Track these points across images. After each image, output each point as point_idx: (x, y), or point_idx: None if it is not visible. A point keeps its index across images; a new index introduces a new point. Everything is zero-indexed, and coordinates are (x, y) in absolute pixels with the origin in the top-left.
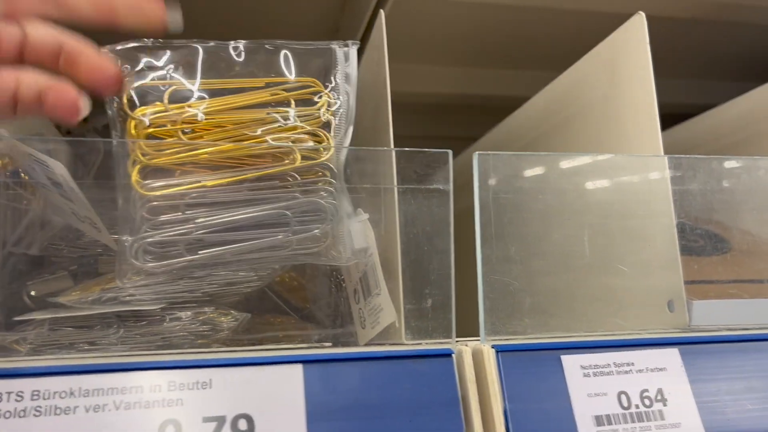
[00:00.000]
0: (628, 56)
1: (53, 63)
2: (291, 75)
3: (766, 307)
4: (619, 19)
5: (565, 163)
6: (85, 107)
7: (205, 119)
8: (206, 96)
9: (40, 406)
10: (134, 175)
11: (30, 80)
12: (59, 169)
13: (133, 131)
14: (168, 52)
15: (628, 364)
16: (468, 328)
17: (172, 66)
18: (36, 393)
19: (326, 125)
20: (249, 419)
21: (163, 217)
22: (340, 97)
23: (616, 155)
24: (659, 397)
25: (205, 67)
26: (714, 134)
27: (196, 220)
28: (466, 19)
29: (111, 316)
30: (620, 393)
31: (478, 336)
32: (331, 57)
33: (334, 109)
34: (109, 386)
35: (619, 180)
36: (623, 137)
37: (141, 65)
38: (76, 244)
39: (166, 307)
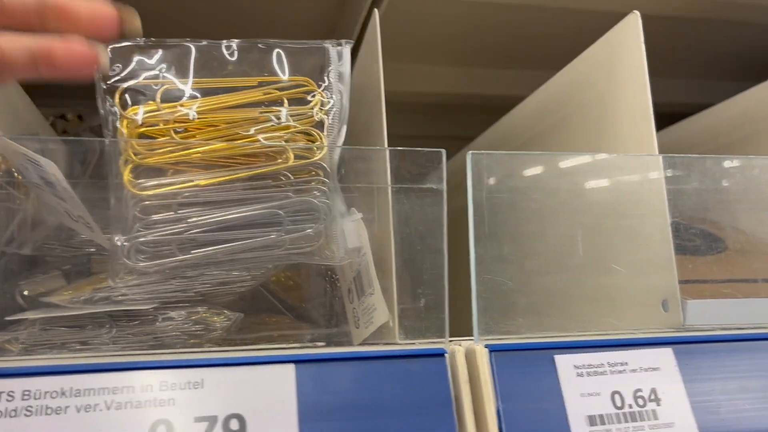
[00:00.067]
0: (623, 56)
1: (39, 23)
2: (284, 74)
3: (760, 307)
4: (618, 18)
5: (560, 163)
6: (102, 54)
7: (198, 118)
8: (199, 95)
9: (30, 406)
10: (126, 175)
11: (16, 44)
12: (52, 169)
13: (125, 130)
14: (160, 51)
15: (621, 364)
16: (462, 328)
17: (164, 65)
18: (27, 393)
19: (319, 124)
20: (241, 419)
21: (156, 217)
22: (334, 96)
23: (610, 155)
24: (653, 397)
25: (197, 66)
26: (711, 133)
27: (189, 220)
28: (462, 18)
29: (103, 316)
30: (614, 393)
31: (472, 336)
32: (325, 56)
33: (327, 108)
34: (101, 386)
35: (613, 179)
36: (618, 137)
37: (133, 64)
38: (68, 243)
39: (159, 307)
